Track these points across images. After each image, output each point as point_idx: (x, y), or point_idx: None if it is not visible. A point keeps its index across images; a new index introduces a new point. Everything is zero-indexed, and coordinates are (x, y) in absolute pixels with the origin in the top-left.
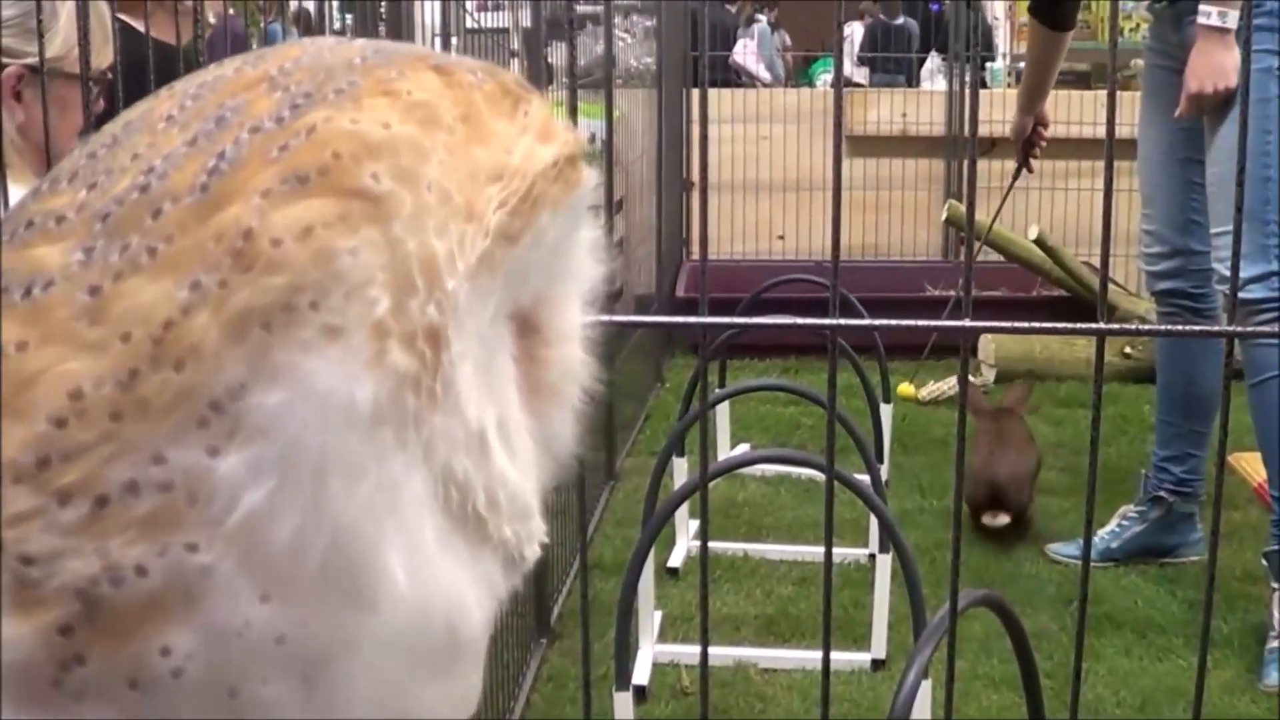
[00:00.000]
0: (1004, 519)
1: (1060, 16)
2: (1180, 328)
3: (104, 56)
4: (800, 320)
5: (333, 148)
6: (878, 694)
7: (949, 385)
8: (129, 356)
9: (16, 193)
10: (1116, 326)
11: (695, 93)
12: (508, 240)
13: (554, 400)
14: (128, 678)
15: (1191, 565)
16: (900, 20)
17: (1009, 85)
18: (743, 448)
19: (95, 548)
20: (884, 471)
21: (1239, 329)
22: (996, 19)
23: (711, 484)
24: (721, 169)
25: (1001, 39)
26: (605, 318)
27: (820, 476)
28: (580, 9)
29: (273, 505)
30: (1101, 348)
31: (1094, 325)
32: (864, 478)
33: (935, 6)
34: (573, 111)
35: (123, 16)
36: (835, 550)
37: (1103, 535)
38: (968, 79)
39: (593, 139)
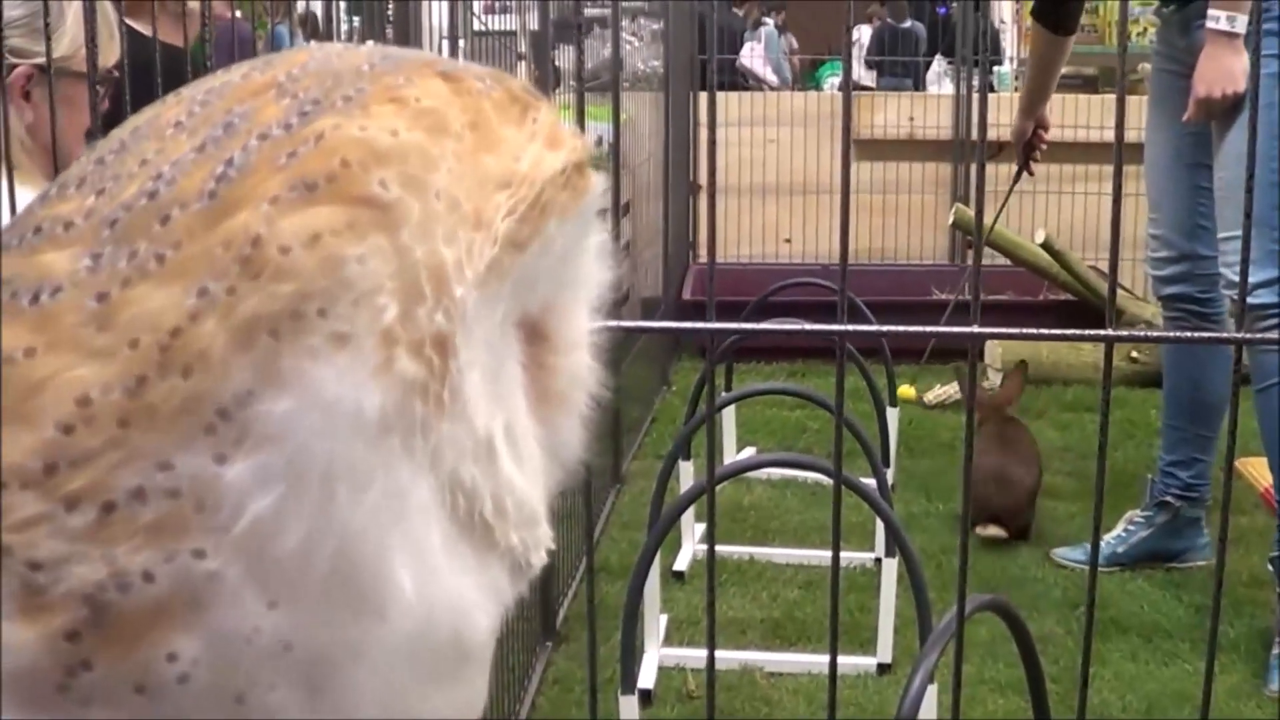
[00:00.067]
0: (1000, 533)
1: (1063, 20)
2: (1189, 334)
3: (110, 55)
4: (809, 326)
5: (341, 155)
6: (883, 698)
7: (955, 389)
8: (137, 363)
9: (24, 194)
10: (1125, 334)
11: (703, 96)
12: (516, 247)
13: (562, 407)
14: (134, 683)
15: (1198, 570)
16: (908, 23)
17: (1016, 89)
18: (748, 451)
19: (102, 554)
20: (890, 475)
21: (1248, 335)
22: (1004, 22)
23: (718, 487)
24: (728, 172)
25: (1009, 42)
26: (613, 323)
27: (826, 480)
28: (588, 12)
29: (280, 512)
30: (1110, 355)
31: (1102, 332)
32: (870, 482)
33: (943, 10)
34: (580, 115)
35: (129, 21)
36: (841, 554)
37: (1109, 540)
38: (975, 83)
39: (600, 142)
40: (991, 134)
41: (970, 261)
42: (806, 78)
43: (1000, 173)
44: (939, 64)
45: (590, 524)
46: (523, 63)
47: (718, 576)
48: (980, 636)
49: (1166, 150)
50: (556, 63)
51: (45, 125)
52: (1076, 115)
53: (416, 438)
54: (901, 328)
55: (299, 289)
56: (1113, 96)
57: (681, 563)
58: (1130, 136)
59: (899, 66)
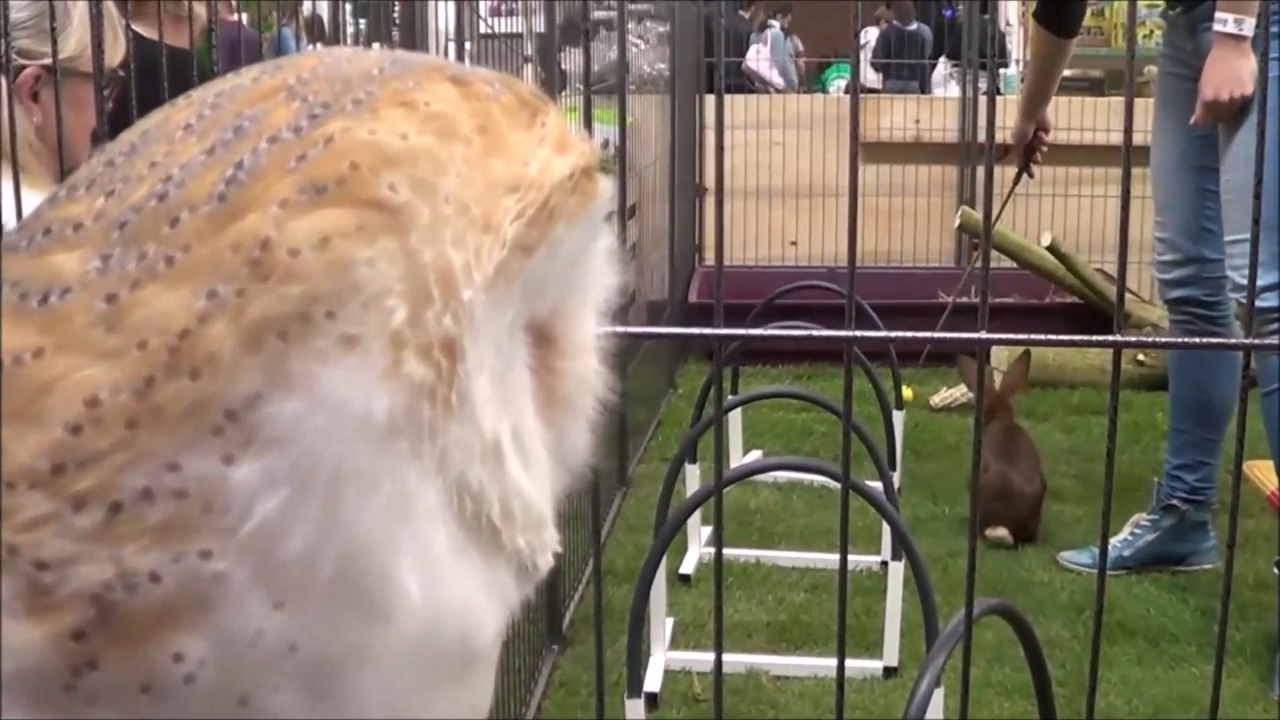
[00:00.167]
0: (1006, 536)
1: (1065, 22)
2: (1198, 340)
3: (115, 54)
4: (817, 331)
5: (350, 158)
6: (889, 701)
7: (961, 392)
8: (145, 364)
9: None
10: (1133, 339)
11: (709, 99)
12: (524, 251)
13: (569, 411)
14: (140, 683)
15: (1204, 574)
16: (914, 26)
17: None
18: (755, 454)
19: (109, 554)
20: (896, 479)
21: (1257, 341)
22: (1010, 24)
23: (724, 491)
24: (734, 175)
25: (1015, 45)
26: (621, 328)
27: (832, 484)
28: (594, 15)
29: (287, 514)
30: (1118, 360)
31: (1110, 337)
32: (876, 485)
33: (949, 12)
34: (586, 118)
35: (134, 26)
36: (848, 557)
37: (1115, 543)
38: (982, 85)
39: (606, 144)
40: (997, 137)
41: (975, 264)
42: (812, 80)
43: (1007, 175)
44: (944, 66)
45: (597, 527)
46: (529, 65)
47: (724, 580)
48: (987, 640)
49: (1173, 153)
50: (562, 65)
51: (54, 126)
52: (1082, 118)
53: (424, 440)
54: (909, 334)
55: (308, 291)
56: (1119, 99)
57: (688, 566)
58: (1137, 139)
59: (905, 69)
